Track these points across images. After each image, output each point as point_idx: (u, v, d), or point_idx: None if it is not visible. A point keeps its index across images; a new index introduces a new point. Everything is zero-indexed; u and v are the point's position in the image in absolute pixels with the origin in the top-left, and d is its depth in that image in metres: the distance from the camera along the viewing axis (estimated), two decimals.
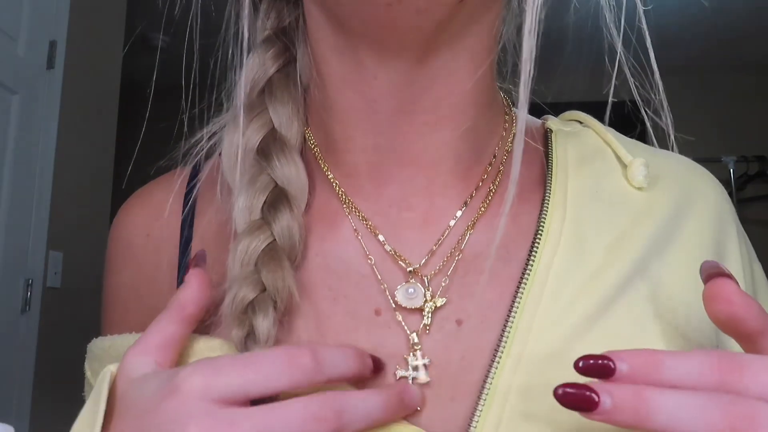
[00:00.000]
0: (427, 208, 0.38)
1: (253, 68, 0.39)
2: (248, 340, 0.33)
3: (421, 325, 0.34)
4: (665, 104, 0.37)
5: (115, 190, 2.13)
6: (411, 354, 0.34)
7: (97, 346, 0.40)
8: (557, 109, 0.46)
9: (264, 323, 0.33)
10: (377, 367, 0.33)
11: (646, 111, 0.39)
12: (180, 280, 0.40)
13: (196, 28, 0.41)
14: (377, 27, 0.32)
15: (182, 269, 0.40)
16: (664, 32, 2.92)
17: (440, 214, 0.38)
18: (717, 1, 2.86)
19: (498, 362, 0.32)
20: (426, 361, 0.33)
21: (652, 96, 0.38)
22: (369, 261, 0.37)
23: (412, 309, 0.35)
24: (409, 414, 0.32)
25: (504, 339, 0.33)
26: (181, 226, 0.42)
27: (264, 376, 0.28)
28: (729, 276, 0.29)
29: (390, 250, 0.37)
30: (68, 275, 1.88)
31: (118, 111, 2.15)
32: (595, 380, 0.26)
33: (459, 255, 0.36)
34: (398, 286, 0.35)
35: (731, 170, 3.21)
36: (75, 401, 0.36)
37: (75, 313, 1.90)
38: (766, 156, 3.23)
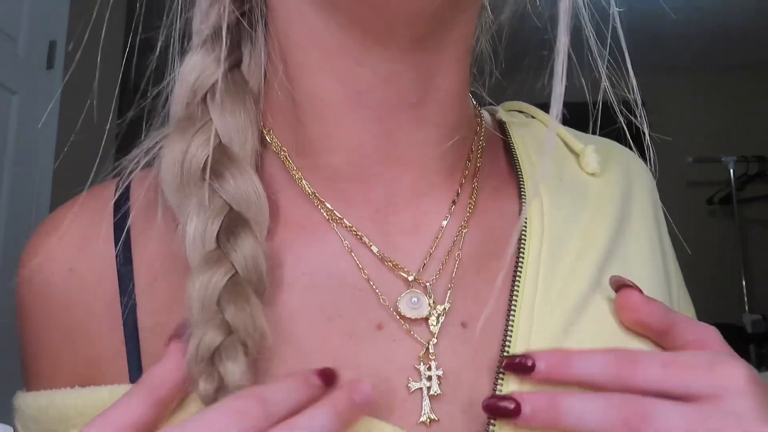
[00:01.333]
0: (415, 209, 0.36)
1: (193, 71, 0.35)
2: (219, 395, 0.29)
3: (432, 335, 0.33)
4: (639, 101, 0.37)
5: None
6: (422, 364, 0.32)
7: (30, 405, 0.35)
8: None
9: (235, 370, 0.29)
10: (328, 378, 0.29)
11: (624, 111, 0.40)
12: (126, 321, 0.34)
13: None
14: (367, 7, 0.30)
15: (125, 300, 0.34)
16: (664, 32, 2.92)
17: (430, 216, 0.36)
18: (717, 0, 2.86)
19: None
20: (440, 372, 0.32)
21: (630, 95, 0.38)
22: (363, 274, 0.34)
23: (417, 319, 0.33)
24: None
25: (507, 340, 0.32)
26: (116, 254, 0.35)
27: None
28: (632, 286, 0.33)
29: (385, 260, 0.35)
30: None
31: (118, 111, 2.15)
32: (516, 390, 0.30)
33: (459, 255, 0.35)
34: (400, 297, 0.34)
35: (731, 170, 3.20)
36: None
37: None
38: (766, 156, 3.22)
